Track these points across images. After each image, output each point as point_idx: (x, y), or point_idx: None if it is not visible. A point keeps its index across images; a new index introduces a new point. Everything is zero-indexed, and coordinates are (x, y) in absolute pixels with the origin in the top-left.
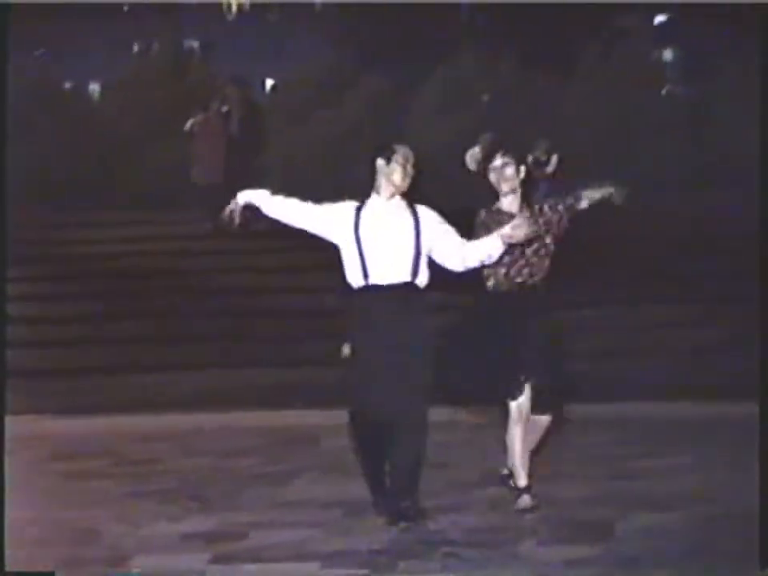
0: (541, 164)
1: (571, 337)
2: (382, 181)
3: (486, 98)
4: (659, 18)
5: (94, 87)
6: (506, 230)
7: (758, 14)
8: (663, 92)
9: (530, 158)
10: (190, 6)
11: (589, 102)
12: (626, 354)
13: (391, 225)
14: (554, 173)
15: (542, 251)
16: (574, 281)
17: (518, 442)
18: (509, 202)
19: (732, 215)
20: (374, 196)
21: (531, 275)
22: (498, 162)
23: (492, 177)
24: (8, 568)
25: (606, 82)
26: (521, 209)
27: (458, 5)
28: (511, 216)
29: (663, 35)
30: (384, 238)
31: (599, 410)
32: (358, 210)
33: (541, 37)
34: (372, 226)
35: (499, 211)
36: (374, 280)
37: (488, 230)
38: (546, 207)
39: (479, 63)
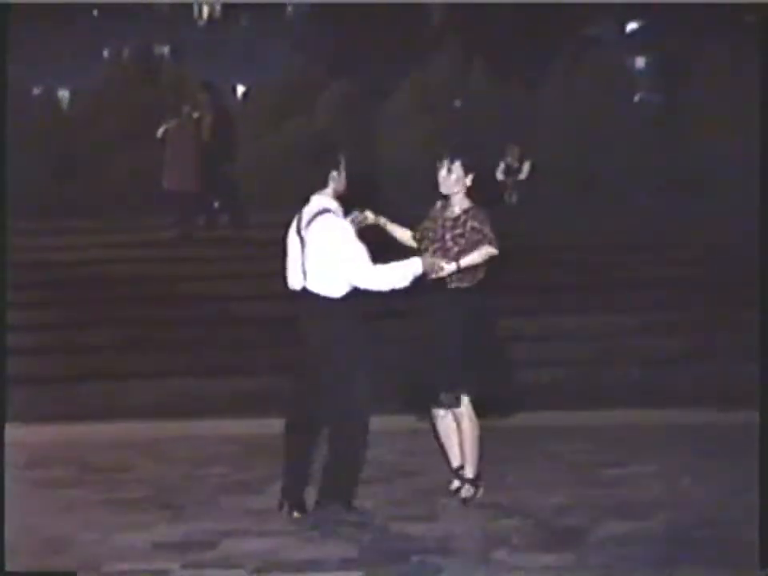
0: (513, 170)
1: (550, 345)
2: (332, 187)
3: (457, 103)
4: (631, 26)
5: (64, 93)
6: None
7: (758, 15)
8: (636, 99)
9: (501, 165)
10: (160, 11)
11: (561, 109)
12: (603, 361)
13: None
14: (526, 179)
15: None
16: (550, 288)
17: (469, 437)
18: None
19: (720, 218)
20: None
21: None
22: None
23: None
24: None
25: (578, 88)
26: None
27: (431, 11)
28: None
29: (635, 42)
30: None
31: (573, 418)
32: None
33: (513, 43)
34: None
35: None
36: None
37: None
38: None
39: (451, 68)
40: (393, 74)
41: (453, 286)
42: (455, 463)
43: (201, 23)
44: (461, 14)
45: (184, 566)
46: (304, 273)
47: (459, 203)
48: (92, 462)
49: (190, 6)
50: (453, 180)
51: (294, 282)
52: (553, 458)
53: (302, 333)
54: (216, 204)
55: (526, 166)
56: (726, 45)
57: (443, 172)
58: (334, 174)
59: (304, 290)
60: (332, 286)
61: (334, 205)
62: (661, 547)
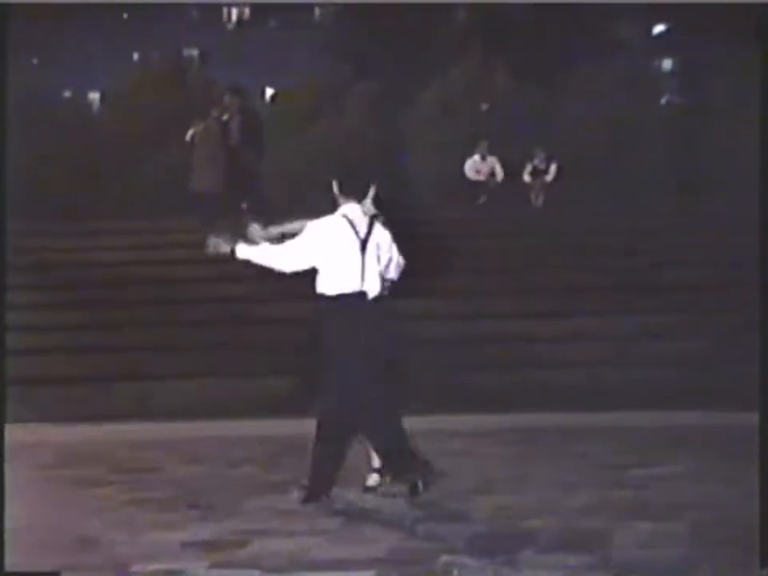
0: (539, 172)
1: (573, 346)
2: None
3: (484, 106)
4: (657, 28)
5: (94, 96)
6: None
7: (758, 13)
8: (662, 101)
9: (529, 167)
10: (189, 14)
11: (588, 111)
12: (625, 363)
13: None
14: (553, 181)
15: None
16: (573, 290)
17: None
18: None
19: (731, 223)
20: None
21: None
22: None
23: None
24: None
25: (604, 90)
26: None
27: (458, 14)
28: None
29: (661, 45)
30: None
31: (598, 419)
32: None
33: (540, 45)
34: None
35: None
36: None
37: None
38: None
39: (477, 71)
40: (419, 76)
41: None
42: None
43: (229, 26)
44: (487, 16)
45: (212, 566)
46: (363, 277)
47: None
48: (121, 461)
49: (219, 9)
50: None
51: (354, 284)
52: (577, 458)
53: (361, 332)
54: (243, 206)
55: (553, 168)
56: (753, 47)
57: None
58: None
59: (363, 293)
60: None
61: (353, 212)
62: (685, 548)
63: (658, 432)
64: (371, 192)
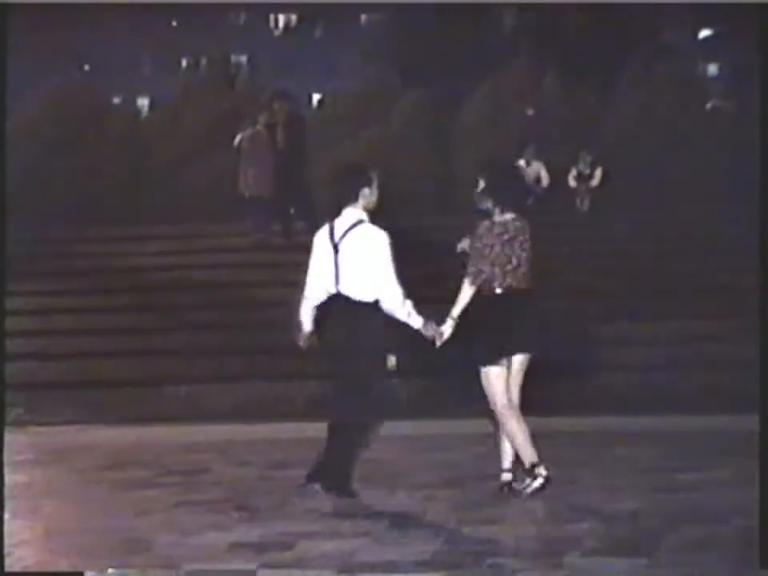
0: (585, 177)
1: (625, 350)
2: (361, 203)
3: (530, 111)
4: (704, 33)
5: (143, 102)
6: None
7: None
8: (708, 106)
9: (573, 171)
10: (237, 21)
11: (633, 115)
12: (672, 367)
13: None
14: (599, 186)
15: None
16: (618, 295)
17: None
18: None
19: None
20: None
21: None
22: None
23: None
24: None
25: (650, 95)
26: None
27: (503, 20)
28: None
29: (707, 49)
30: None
31: (647, 423)
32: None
33: (586, 50)
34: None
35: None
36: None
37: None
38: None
39: (524, 77)
40: (465, 81)
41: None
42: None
43: (276, 33)
44: (534, 20)
45: (261, 566)
46: (337, 278)
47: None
48: (170, 463)
49: (266, 15)
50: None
51: (327, 286)
52: (626, 461)
53: (331, 334)
54: (292, 210)
55: (598, 173)
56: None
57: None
58: (366, 191)
59: (338, 294)
60: (365, 291)
61: (365, 216)
62: (734, 552)
63: (709, 436)
64: (365, 192)
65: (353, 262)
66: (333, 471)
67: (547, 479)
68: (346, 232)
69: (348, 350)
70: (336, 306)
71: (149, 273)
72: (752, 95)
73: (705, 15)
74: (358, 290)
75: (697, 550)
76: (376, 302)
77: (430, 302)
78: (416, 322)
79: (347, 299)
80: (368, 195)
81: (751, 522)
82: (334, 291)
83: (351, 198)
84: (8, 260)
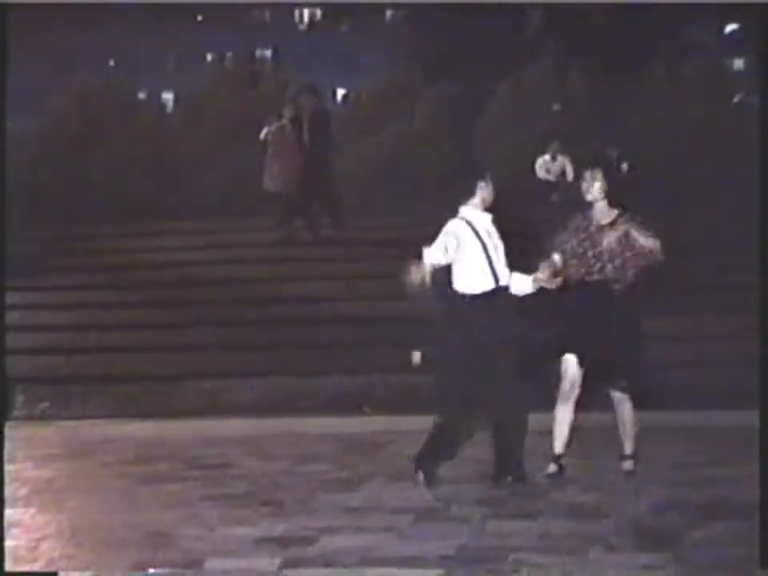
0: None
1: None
2: (479, 197)
3: (556, 107)
4: (730, 27)
5: (168, 97)
6: (540, 277)
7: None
8: (735, 100)
9: None
10: (262, 16)
11: (660, 111)
12: (695, 362)
13: (494, 234)
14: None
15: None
16: (643, 290)
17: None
18: (598, 210)
19: None
20: (471, 210)
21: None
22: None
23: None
24: (73, 570)
25: (676, 90)
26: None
27: (529, 15)
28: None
29: (734, 44)
30: (497, 245)
31: (671, 418)
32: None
33: (611, 45)
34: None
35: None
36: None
37: (576, 234)
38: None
39: (549, 73)
40: (491, 77)
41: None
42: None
43: (301, 27)
44: (558, 17)
45: (285, 562)
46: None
47: (602, 210)
48: (195, 458)
49: (291, 11)
50: (597, 188)
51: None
52: (650, 457)
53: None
54: (315, 206)
55: (623, 168)
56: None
57: (586, 182)
58: (482, 183)
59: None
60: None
61: (471, 214)
62: (757, 548)
63: (734, 432)
64: (481, 185)
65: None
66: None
67: (559, 471)
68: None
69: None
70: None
71: (175, 268)
72: None
73: (730, 10)
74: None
75: (720, 545)
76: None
77: None
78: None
79: (456, 294)
80: (484, 188)
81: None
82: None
83: (468, 193)
84: (34, 256)
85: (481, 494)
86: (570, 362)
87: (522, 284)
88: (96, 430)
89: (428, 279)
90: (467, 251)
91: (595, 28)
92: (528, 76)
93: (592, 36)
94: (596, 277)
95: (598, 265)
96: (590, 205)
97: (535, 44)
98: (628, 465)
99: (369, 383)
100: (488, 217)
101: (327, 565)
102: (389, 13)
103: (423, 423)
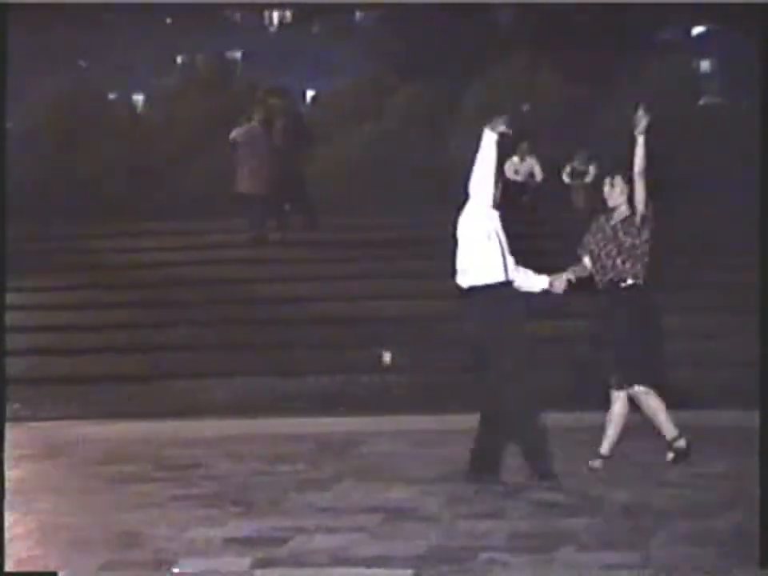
0: (579, 174)
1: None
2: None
3: (526, 107)
4: (697, 30)
5: (138, 98)
6: (554, 280)
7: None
8: (701, 102)
9: (568, 168)
10: (232, 18)
11: (628, 112)
12: (675, 363)
13: (501, 233)
14: (593, 182)
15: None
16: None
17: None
18: (619, 214)
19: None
20: None
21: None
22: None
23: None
24: (43, 569)
25: (644, 91)
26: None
27: (498, 15)
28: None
29: (701, 46)
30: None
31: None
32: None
33: (581, 46)
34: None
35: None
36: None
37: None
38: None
39: (519, 73)
40: (462, 77)
41: (628, 283)
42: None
43: (271, 29)
44: (529, 17)
45: (255, 562)
46: (463, 271)
47: (621, 214)
48: (164, 458)
49: (261, 12)
50: (617, 193)
51: (460, 281)
52: (619, 457)
53: (466, 326)
54: (287, 206)
55: (592, 169)
56: (757, 46)
57: (607, 187)
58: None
59: (467, 287)
60: (483, 275)
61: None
62: (726, 548)
63: (700, 431)
64: None
65: (464, 251)
66: (484, 457)
67: (685, 452)
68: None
69: (483, 339)
70: (467, 297)
71: (145, 269)
72: (745, 90)
73: (699, 12)
74: (478, 276)
75: (687, 544)
76: (501, 286)
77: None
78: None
79: (473, 288)
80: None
81: (739, 517)
82: (463, 284)
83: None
84: (7, 256)
85: (451, 493)
86: None
87: (534, 282)
88: (68, 431)
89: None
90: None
91: (565, 29)
92: (498, 75)
93: (562, 36)
94: (611, 275)
95: (616, 261)
96: (612, 210)
97: (503, 44)
98: (597, 463)
99: (343, 383)
100: (497, 214)
101: (298, 565)
102: (359, 14)
103: (396, 423)
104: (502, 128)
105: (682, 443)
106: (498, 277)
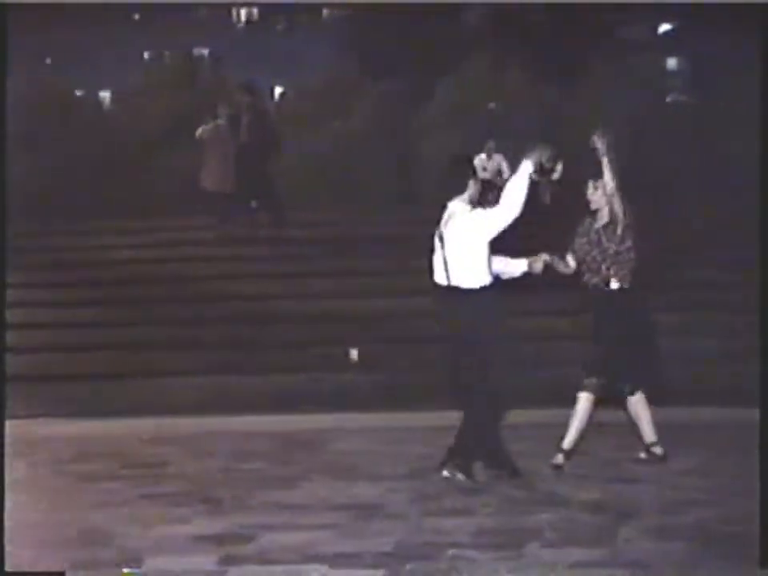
0: (546, 171)
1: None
2: (469, 193)
3: (492, 105)
4: (664, 27)
5: (105, 95)
6: (533, 262)
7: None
8: (668, 99)
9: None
10: (199, 15)
11: (595, 109)
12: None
13: None
14: (560, 180)
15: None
16: (571, 287)
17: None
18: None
19: (733, 221)
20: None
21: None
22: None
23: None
24: (12, 568)
25: (611, 89)
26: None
27: (466, 15)
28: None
29: (668, 44)
30: None
31: (608, 414)
32: None
33: (547, 46)
34: None
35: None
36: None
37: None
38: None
39: (487, 71)
40: (430, 75)
41: (613, 287)
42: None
43: (239, 26)
44: (497, 16)
45: (223, 559)
46: (447, 271)
47: (604, 218)
48: (132, 456)
49: (229, 9)
50: (599, 195)
51: (440, 280)
52: (585, 453)
53: (449, 325)
54: (253, 204)
55: (559, 167)
56: (756, 46)
57: (590, 190)
58: (471, 181)
59: (449, 286)
60: (473, 279)
61: (467, 208)
62: (692, 544)
63: (666, 428)
64: (470, 183)
65: (455, 252)
66: (459, 454)
67: (660, 458)
68: (446, 224)
69: (469, 339)
70: (450, 297)
71: (112, 266)
72: (711, 88)
73: (665, 10)
74: (467, 279)
75: (654, 541)
76: (484, 289)
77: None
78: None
79: (458, 289)
80: (473, 186)
81: (705, 513)
82: (445, 283)
83: (459, 189)
84: None
85: (418, 490)
86: None
87: (513, 267)
88: (34, 429)
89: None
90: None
91: (532, 26)
92: (466, 74)
93: (529, 35)
94: (597, 279)
95: (601, 266)
96: (595, 212)
97: (471, 43)
98: (558, 459)
99: (310, 381)
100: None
101: (266, 562)
102: (326, 11)
103: (362, 421)
104: (540, 159)
105: (658, 450)
106: (485, 278)
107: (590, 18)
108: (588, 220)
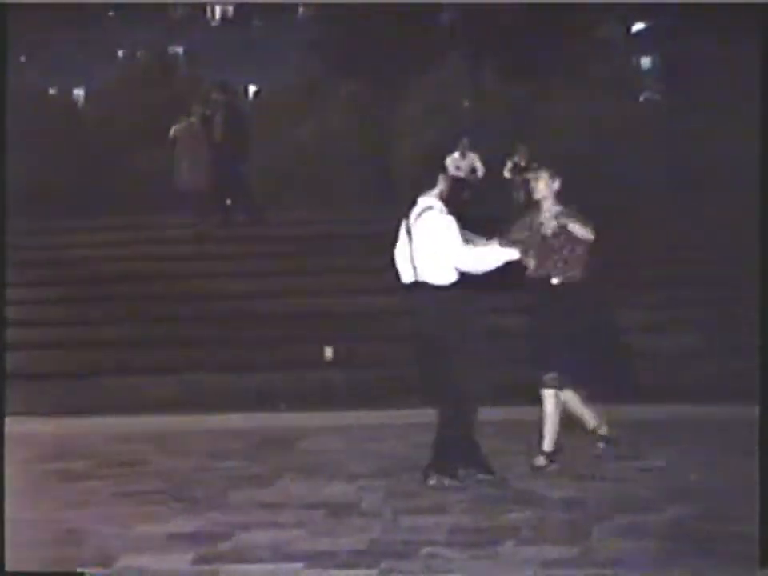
0: (520, 169)
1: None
2: (439, 188)
3: (466, 104)
4: (637, 26)
5: (79, 93)
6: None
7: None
8: (641, 98)
9: (509, 163)
10: (174, 13)
11: (569, 108)
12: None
13: None
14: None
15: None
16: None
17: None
18: (544, 208)
19: (706, 219)
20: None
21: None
22: (530, 174)
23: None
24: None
25: (585, 88)
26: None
27: (440, 12)
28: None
29: (641, 43)
30: None
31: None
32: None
33: (522, 44)
34: None
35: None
36: None
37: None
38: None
39: (460, 70)
40: (403, 74)
41: (558, 281)
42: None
43: (213, 24)
44: (471, 15)
45: (198, 558)
46: (414, 267)
47: (549, 208)
48: (108, 455)
49: (203, 7)
50: (542, 186)
51: (406, 276)
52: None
53: (415, 322)
54: (228, 202)
55: (534, 165)
56: (730, 44)
57: (532, 182)
58: (441, 177)
59: (415, 282)
60: (440, 275)
61: (438, 204)
62: (667, 542)
63: (648, 425)
64: (440, 180)
65: (424, 248)
66: (443, 458)
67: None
68: (416, 219)
69: (437, 336)
70: (417, 295)
71: (88, 264)
72: (683, 87)
73: (638, 9)
74: (434, 275)
75: (631, 539)
76: (453, 285)
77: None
78: (512, 254)
79: (425, 285)
80: (443, 181)
81: (680, 511)
82: (412, 279)
83: (429, 186)
84: None
85: (393, 488)
86: None
87: (495, 255)
88: (11, 428)
89: None
90: (399, 245)
91: (506, 25)
92: (439, 73)
93: (502, 34)
94: (540, 272)
95: (545, 262)
96: (537, 203)
97: (446, 42)
98: (540, 461)
99: (285, 379)
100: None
101: (241, 560)
102: (301, 9)
103: (337, 419)
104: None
105: (542, 461)
106: (452, 275)
107: (563, 17)
108: (533, 212)
